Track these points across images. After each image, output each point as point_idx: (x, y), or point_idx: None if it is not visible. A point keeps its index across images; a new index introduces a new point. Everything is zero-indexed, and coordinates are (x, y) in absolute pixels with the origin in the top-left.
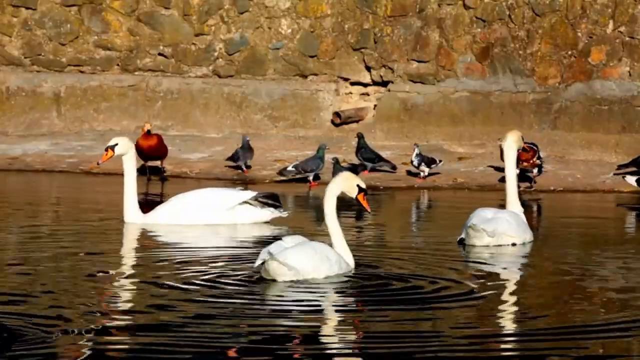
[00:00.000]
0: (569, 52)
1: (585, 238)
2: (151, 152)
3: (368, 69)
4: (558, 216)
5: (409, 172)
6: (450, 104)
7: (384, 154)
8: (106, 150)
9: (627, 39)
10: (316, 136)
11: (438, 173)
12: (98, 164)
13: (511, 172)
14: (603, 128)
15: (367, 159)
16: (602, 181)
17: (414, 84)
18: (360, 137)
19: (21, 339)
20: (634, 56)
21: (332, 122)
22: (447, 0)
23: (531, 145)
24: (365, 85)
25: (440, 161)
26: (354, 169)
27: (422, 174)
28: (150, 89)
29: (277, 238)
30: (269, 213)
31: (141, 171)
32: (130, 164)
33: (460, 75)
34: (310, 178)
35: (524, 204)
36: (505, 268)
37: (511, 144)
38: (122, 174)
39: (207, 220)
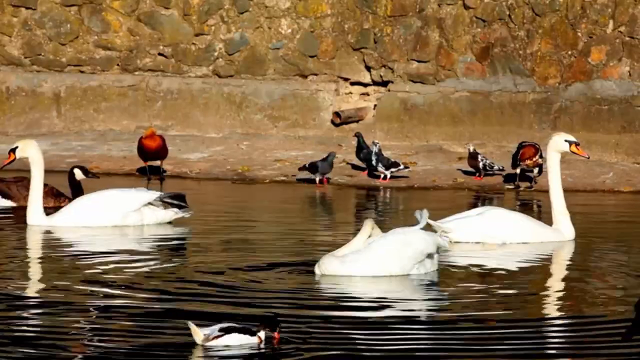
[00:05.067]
0: (569, 52)
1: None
2: (155, 152)
3: (368, 69)
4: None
5: (370, 174)
6: (450, 104)
7: (383, 154)
8: (9, 153)
9: (627, 39)
10: (316, 136)
11: (406, 177)
12: (1, 168)
13: (555, 183)
14: (603, 128)
15: (367, 160)
16: (602, 181)
17: (414, 84)
18: (359, 136)
19: None
20: (634, 56)
21: (332, 122)
22: (447, 0)
23: (533, 145)
24: (365, 85)
25: (406, 167)
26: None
27: (381, 175)
28: (150, 89)
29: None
30: (172, 214)
31: (142, 171)
32: (36, 166)
33: (460, 75)
34: (317, 179)
35: (524, 203)
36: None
37: (554, 152)
38: (122, 175)
39: (111, 222)
